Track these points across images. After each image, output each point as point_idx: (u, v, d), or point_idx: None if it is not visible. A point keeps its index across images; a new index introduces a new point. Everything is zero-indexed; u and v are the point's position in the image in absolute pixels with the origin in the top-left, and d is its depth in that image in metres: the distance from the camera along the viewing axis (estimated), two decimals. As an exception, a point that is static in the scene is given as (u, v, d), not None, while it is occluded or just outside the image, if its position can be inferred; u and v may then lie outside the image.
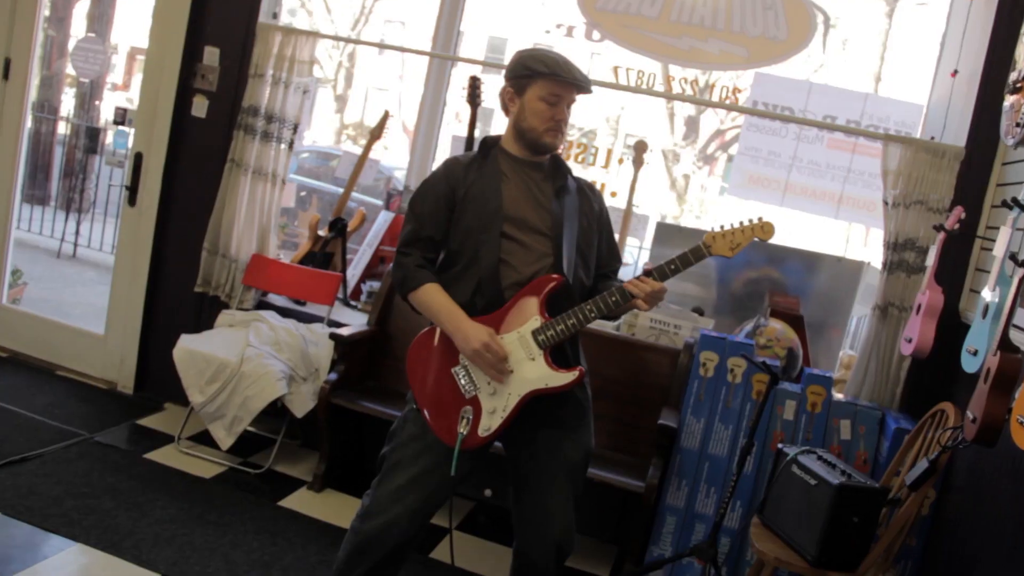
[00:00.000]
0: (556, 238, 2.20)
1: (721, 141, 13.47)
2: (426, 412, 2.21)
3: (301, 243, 4.75)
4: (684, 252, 2.15)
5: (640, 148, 4.11)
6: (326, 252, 4.35)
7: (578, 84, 2.17)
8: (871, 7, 9.57)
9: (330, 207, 6.54)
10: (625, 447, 3.46)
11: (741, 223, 2.15)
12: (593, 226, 2.32)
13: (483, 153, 2.27)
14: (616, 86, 3.93)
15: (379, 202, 6.96)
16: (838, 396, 3.35)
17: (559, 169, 2.30)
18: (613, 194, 4.84)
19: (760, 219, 2.14)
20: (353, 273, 4.63)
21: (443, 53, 4.35)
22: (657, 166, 13.02)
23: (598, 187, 2.53)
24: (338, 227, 4.35)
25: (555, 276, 2.16)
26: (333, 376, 3.51)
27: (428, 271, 2.20)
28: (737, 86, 4.00)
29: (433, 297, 2.17)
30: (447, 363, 2.20)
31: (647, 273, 2.16)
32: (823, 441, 3.19)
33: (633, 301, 2.14)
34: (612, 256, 2.41)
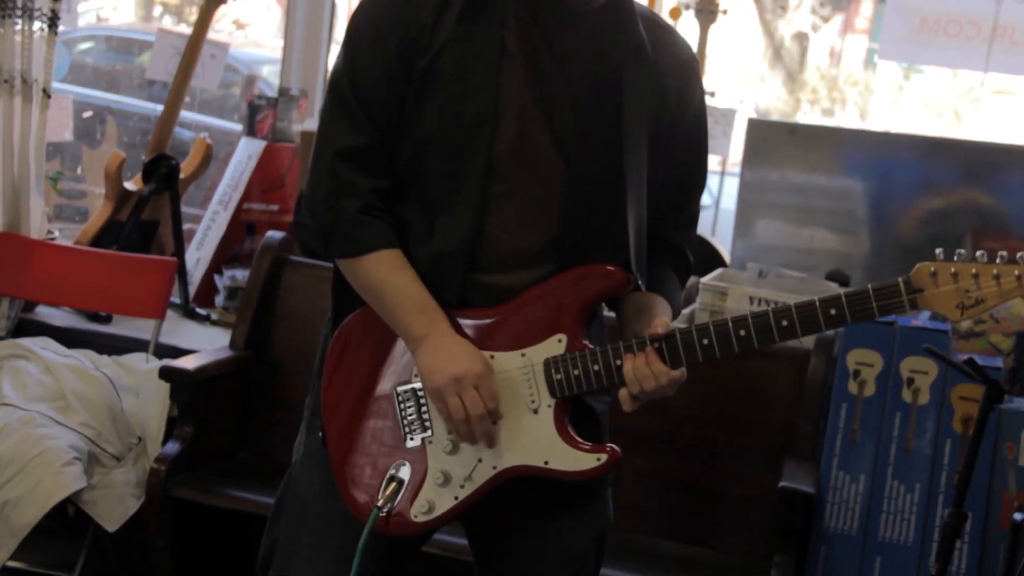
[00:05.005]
0: (588, 177, 2.16)
1: (864, -35, 13.38)
2: (333, 450, 2.24)
3: (94, 208, 4.72)
4: (834, 296, 2.03)
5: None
6: (143, 221, 4.35)
7: None
8: None
9: (142, 138, 6.50)
10: (707, 534, 3.50)
11: (1000, 260, 1.95)
12: (664, 143, 2.23)
13: None
14: None
15: (234, 125, 6.95)
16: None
17: (623, 17, 2.20)
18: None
19: None
20: (198, 256, 4.63)
21: None
22: (745, 19, 12.92)
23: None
24: (162, 173, 4.36)
25: (618, 271, 2.14)
26: (172, 448, 3.53)
27: (382, 223, 2.17)
28: None
29: (387, 277, 2.15)
30: (389, 375, 2.22)
31: (656, 338, 2.08)
32: (1096, 503, 3.22)
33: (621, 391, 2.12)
34: (683, 212, 2.33)
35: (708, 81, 4.35)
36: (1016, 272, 1.95)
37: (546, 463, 2.13)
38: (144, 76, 6.46)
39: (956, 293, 1.97)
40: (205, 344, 4.01)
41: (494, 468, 2.15)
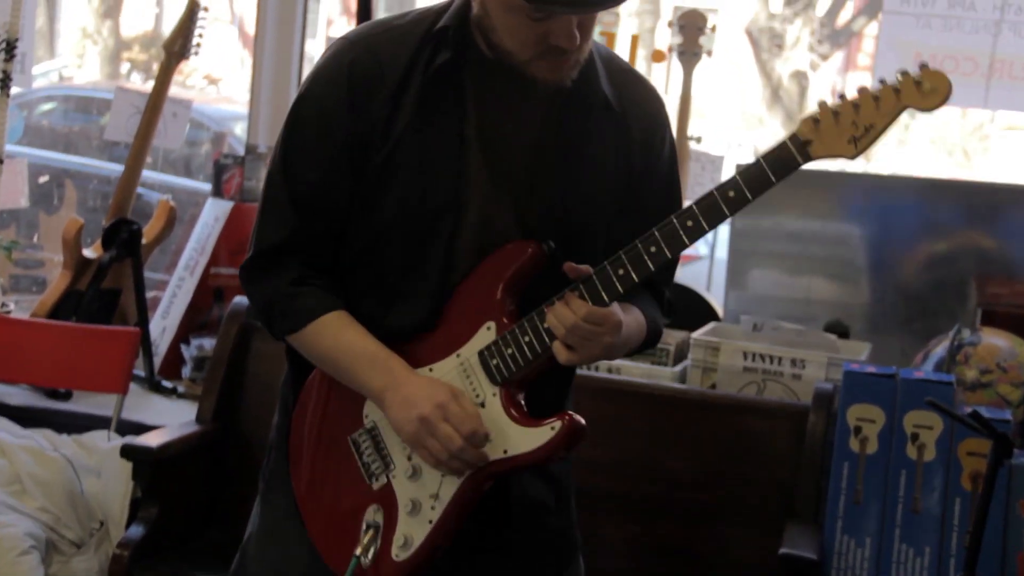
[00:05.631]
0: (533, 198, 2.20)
1: None
2: (305, 512, 2.30)
3: (51, 277, 4.71)
4: (730, 178, 2.04)
5: (691, 24, 4.13)
6: (104, 289, 4.35)
7: (582, 4, 2.05)
8: None
9: (103, 202, 6.50)
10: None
11: (881, 84, 2.02)
12: (635, 196, 2.27)
13: (434, 43, 2.18)
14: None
15: (203, 185, 6.96)
16: None
17: (588, 75, 2.21)
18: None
19: (924, 69, 1.99)
20: (164, 325, 4.61)
21: None
22: (741, 60, 12.98)
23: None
24: (123, 239, 4.37)
25: (529, 243, 2.17)
26: (136, 532, 3.50)
27: (318, 289, 2.24)
28: None
29: (333, 342, 2.21)
30: (342, 426, 2.27)
31: (574, 278, 2.10)
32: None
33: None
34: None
35: (695, 126, 4.38)
36: (894, 86, 1.99)
37: (506, 452, 2.15)
38: (103, 137, 6.51)
39: (843, 130, 2.01)
40: (171, 419, 3.99)
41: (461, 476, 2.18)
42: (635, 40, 4.27)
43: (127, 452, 3.53)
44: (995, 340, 3.62)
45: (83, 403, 4.18)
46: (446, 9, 2.21)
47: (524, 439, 2.14)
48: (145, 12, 14.82)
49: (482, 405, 2.17)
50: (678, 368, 3.77)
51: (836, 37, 13.92)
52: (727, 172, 4.37)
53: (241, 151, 5.13)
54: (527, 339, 2.14)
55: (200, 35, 4.41)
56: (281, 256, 2.23)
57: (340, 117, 2.18)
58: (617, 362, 3.65)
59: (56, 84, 9.95)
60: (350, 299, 2.24)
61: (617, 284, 2.09)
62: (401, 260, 2.20)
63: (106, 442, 3.86)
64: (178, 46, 4.39)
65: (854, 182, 4.29)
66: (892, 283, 4.07)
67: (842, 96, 2.02)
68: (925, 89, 1.98)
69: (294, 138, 2.23)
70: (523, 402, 2.18)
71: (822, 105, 2.02)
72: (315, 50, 5.12)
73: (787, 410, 3.51)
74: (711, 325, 3.90)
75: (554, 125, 2.21)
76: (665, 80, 4.95)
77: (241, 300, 3.90)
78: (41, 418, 4.05)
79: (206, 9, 4.45)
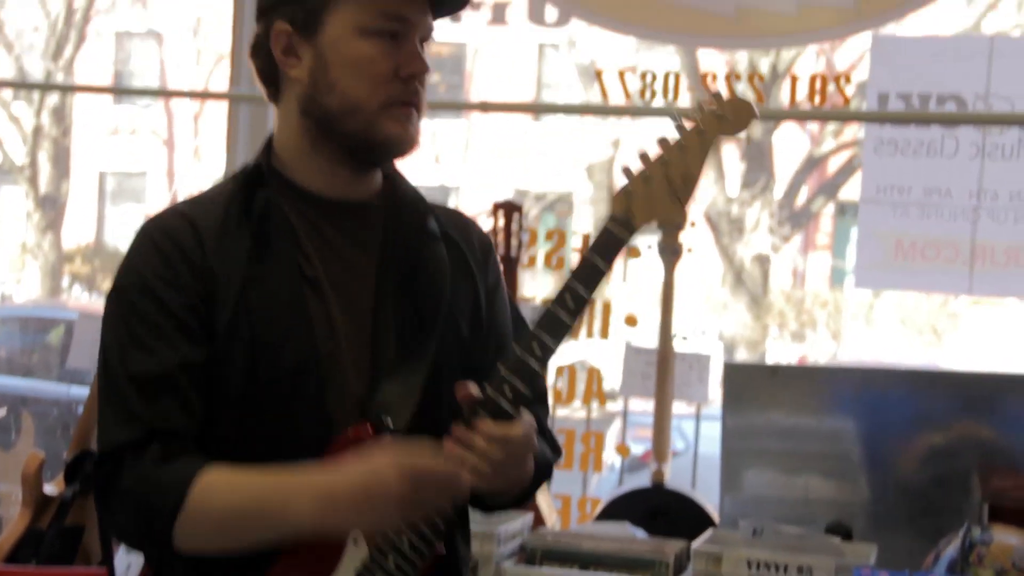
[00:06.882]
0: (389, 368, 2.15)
1: (821, 178, 13.77)
2: None
3: (9, 517, 4.63)
4: (576, 270, 2.03)
5: (671, 223, 4.18)
6: (66, 527, 4.27)
7: None
8: None
9: (63, 432, 6.44)
10: None
11: (680, 131, 2.02)
12: (479, 321, 2.27)
13: (246, 199, 2.15)
14: (604, 110, 4.03)
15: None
16: None
17: (406, 205, 2.26)
18: (630, 320, 4.90)
19: (720, 101, 2.01)
20: (128, 562, 4.49)
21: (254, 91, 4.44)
22: (702, 245, 13.16)
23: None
24: (87, 473, 4.27)
25: (363, 427, 2.07)
26: None
27: (186, 458, 2.05)
28: (841, 70, 4.15)
29: (231, 487, 2.03)
30: None
31: (469, 405, 2.00)
32: None
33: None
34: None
35: (677, 324, 4.39)
36: (697, 128, 2.00)
37: None
38: (59, 356, 6.45)
39: (659, 189, 2.00)
40: (143, 661, 3.91)
41: None
42: (586, 239, 4.30)
43: None
44: (1007, 538, 3.59)
45: (47, 650, 4.08)
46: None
47: None
48: (86, 223, 14.95)
49: None
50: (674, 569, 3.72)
51: (796, 219, 14.18)
52: (715, 372, 4.39)
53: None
54: (409, 540, 2.00)
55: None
56: (134, 450, 2.06)
57: (172, 279, 2.08)
58: (613, 578, 3.61)
59: (-3, 306, 9.97)
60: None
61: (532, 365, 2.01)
62: (269, 436, 2.09)
63: None
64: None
65: (843, 376, 4.31)
66: (892, 479, 4.06)
67: (643, 157, 2.01)
68: (729, 119, 2.02)
69: (121, 328, 2.10)
70: None
71: (628, 173, 2.01)
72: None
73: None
74: (709, 532, 3.86)
75: (395, 252, 2.21)
76: (623, 274, 4.99)
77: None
78: (2, 669, 3.96)
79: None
